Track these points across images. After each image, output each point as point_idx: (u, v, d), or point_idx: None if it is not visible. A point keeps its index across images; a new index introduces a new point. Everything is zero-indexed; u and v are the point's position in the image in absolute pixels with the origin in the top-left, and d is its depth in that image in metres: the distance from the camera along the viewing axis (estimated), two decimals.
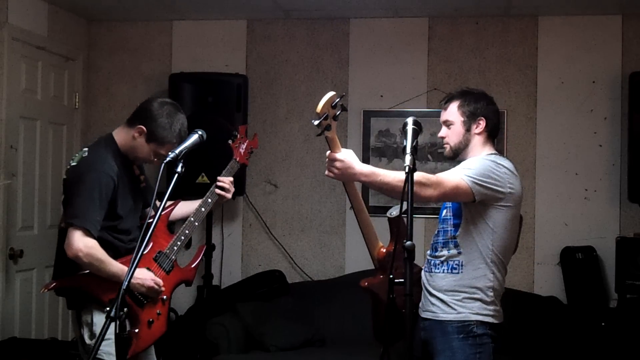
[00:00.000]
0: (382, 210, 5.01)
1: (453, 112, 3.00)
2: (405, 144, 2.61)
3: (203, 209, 3.23)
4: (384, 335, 2.82)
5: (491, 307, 2.88)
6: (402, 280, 2.41)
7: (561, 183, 5.12)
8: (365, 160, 5.26)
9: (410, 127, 2.65)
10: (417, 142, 2.62)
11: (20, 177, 4.68)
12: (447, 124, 3.01)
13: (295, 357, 4.58)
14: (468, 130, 2.98)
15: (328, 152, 2.67)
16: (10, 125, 4.55)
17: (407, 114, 3.30)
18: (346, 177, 2.70)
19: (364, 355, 4.14)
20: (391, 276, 2.55)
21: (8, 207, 4.56)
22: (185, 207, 3.28)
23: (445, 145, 3.04)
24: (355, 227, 5.34)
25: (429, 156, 5.18)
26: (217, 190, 3.26)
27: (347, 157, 2.66)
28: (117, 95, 5.50)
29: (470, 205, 2.85)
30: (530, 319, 4.66)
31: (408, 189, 2.45)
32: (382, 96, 5.30)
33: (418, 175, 2.66)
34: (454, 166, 2.95)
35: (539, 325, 4.66)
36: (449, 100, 3.04)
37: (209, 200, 3.26)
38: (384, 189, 2.72)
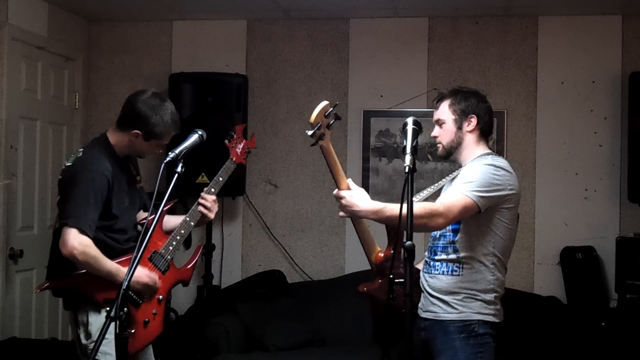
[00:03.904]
0: None
1: (444, 111, 2.99)
2: (405, 144, 2.61)
3: (199, 209, 3.22)
4: (384, 337, 2.81)
5: (492, 307, 2.87)
6: (402, 280, 2.42)
7: (561, 183, 5.12)
8: (365, 160, 5.27)
9: (410, 127, 2.65)
10: (417, 142, 2.62)
11: (20, 177, 4.68)
12: (439, 122, 3.01)
13: (295, 357, 4.58)
14: (460, 128, 2.96)
15: (335, 190, 2.74)
16: (10, 125, 4.55)
17: (407, 114, 3.29)
18: (353, 215, 2.75)
19: (364, 355, 4.15)
20: (391, 276, 2.55)
21: (8, 207, 4.56)
22: (173, 220, 3.24)
23: (438, 145, 3.04)
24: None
25: (429, 156, 5.17)
26: (200, 208, 3.19)
27: (352, 194, 2.71)
28: (117, 95, 5.48)
29: (474, 218, 2.83)
30: (530, 319, 4.66)
31: (408, 189, 2.45)
32: (382, 96, 5.30)
33: (425, 208, 2.69)
34: (452, 166, 2.95)
35: (539, 325, 4.66)
36: (440, 99, 3.04)
37: (191, 221, 3.19)
38: (394, 222, 2.67)
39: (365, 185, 5.25)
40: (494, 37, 5.22)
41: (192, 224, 3.19)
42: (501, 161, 2.92)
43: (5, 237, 4.52)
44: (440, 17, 5.25)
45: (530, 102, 5.17)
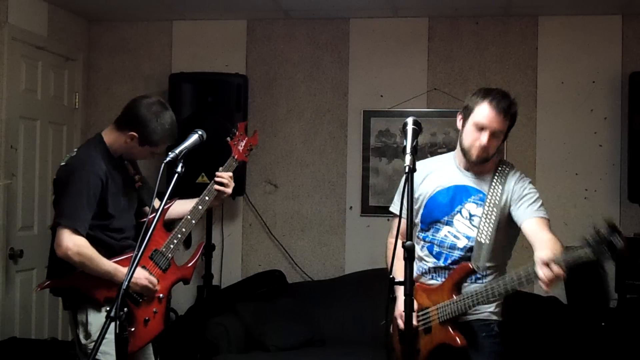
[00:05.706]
0: (382, 210, 5.04)
1: (506, 127, 2.91)
2: (405, 144, 2.61)
3: (200, 207, 3.20)
4: (387, 339, 2.82)
5: (500, 309, 2.96)
6: (402, 280, 2.42)
7: (561, 183, 5.11)
8: (365, 160, 5.27)
9: (410, 127, 2.65)
10: (417, 142, 2.62)
11: (20, 177, 4.68)
12: (497, 133, 2.87)
13: (295, 357, 4.58)
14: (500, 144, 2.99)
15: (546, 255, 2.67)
16: (10, 125, 4.55)
17: (407, 114, 3.30)
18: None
19: (364, 355, 4.15)
20: (391, 276, 2.55)
21: (8, 207, 4.56)
22: (182, 206, 3.25)
23: (484, 154, 2.89)
24: (355, 227, 5.36)
25: (428, 156, 5.14)
26: (216, 186, 3.21)
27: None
28: (117, 95, 5.49)
29: (514, 228, 2.92)
30: (530, 319, 4.66)
31: (408, 189, 2.45)
32: (382, 96, 5.29)
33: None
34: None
35: (539, 325, 4.66)
36: (511, 113, 2.90)
37: (207, 198, 3.22)
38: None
39: (365, 185, 5.25)
40: (494, 37, 5.22)
41: (194, 221, 3.19)
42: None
43: (5, 237, 4.53)
44: (440, 17, 5.24)
45: (530, 102, 5.16)
